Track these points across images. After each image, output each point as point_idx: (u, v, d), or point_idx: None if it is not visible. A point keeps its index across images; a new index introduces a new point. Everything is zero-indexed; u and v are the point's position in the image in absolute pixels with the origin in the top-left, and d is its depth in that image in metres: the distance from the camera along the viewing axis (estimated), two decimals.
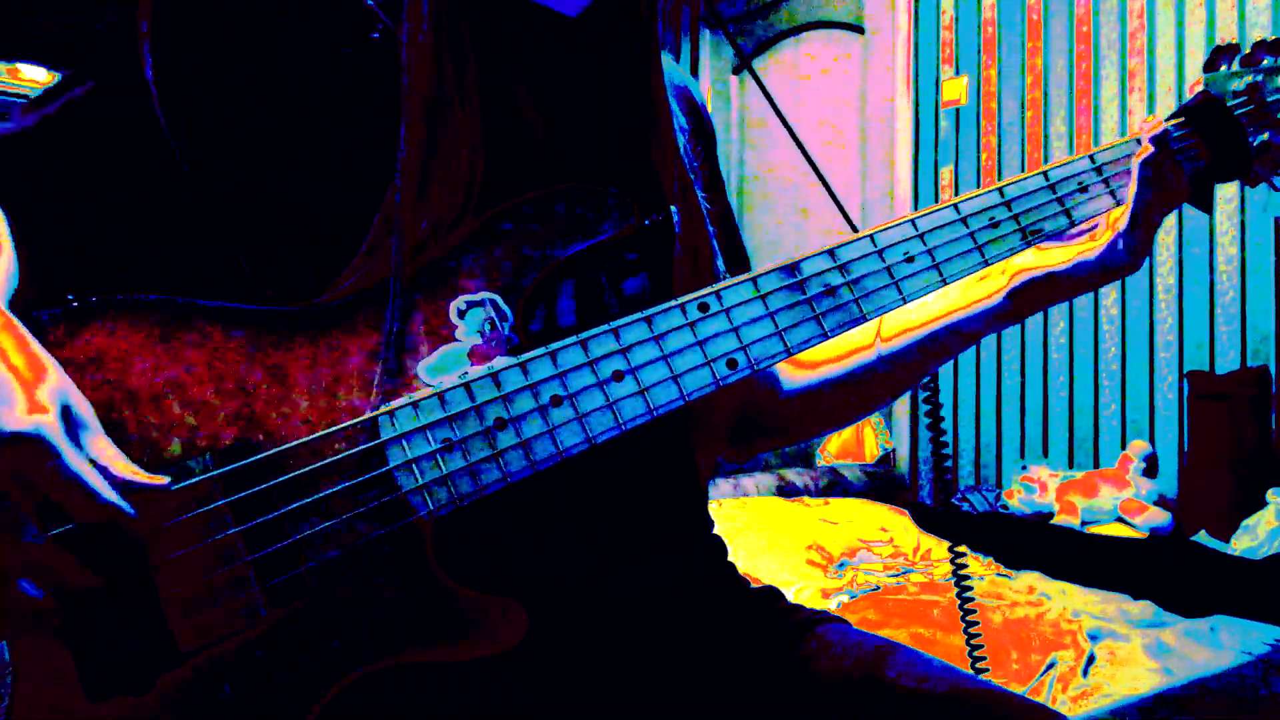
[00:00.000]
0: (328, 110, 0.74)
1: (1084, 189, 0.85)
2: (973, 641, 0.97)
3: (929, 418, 0.97)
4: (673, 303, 0.74)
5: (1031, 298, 0.87)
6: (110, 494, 0.58)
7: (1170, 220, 2.99)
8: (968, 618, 0.97)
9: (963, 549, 0.95)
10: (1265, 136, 0.89)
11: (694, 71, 4.66)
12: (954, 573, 0.96)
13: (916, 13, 3.73)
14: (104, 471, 0.59)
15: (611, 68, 0.87)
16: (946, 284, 0.80)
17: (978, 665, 0.97)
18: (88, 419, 0.60)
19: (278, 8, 0.75)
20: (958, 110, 3.59)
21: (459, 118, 0.73)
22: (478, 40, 0.78)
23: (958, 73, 3.60)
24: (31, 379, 0.58)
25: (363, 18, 0.75)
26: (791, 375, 1.01)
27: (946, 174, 3.62)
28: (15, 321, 0.62)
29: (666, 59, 0.90)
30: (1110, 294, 3.14)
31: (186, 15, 0.74)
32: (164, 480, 0.61)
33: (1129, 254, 0.83)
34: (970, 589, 0.94)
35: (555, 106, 0.82)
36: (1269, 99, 0.89)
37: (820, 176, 0.94)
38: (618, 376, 0.71)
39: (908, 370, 0.93)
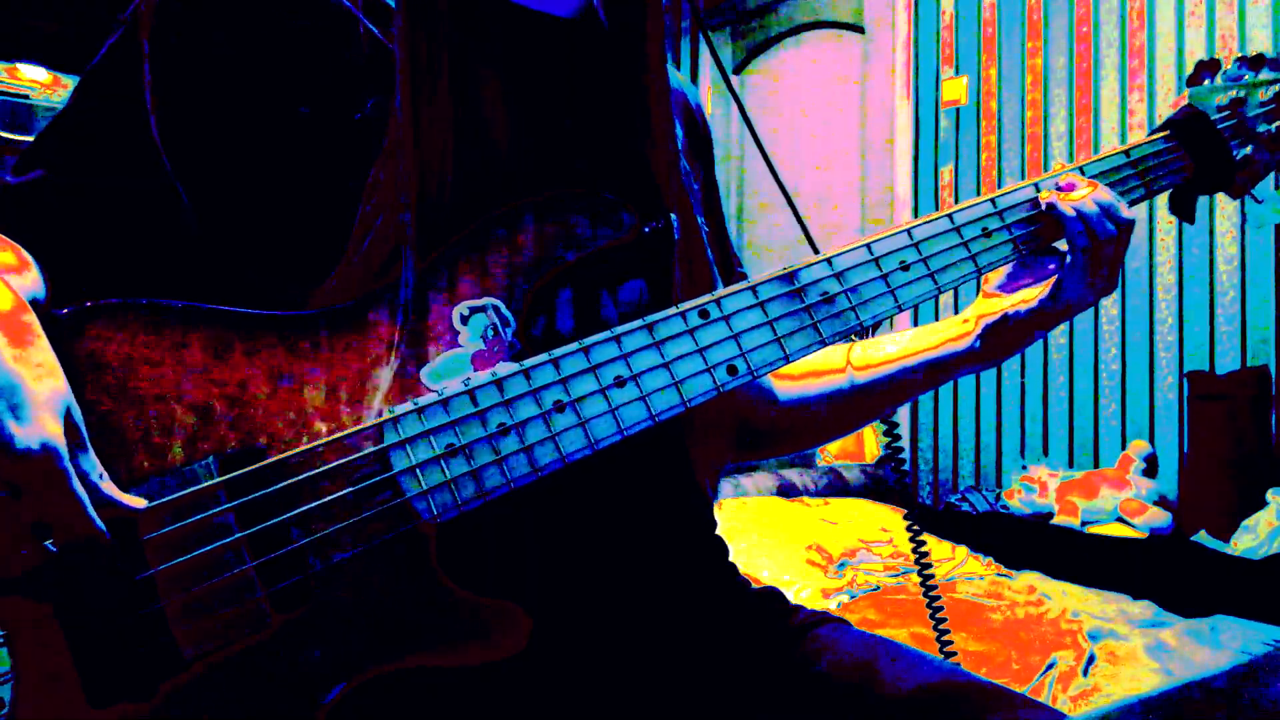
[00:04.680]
0: (323, 116, 0.75)
1: None
2: (941, 626, 0.98)
3: (888, 436, 1.00)
4: (673, 310, 0.74)
5: (997, 341, 0.91)
6: (95, 516, 0.58)
7: (1170, 220, 2.99)
8: (934, 604, 0.98)
9: (924, 538, 0.98)
10: (1247, 150, 0.91)
11: (694, 71, 4.66)
12: (914, 550, 0.97)
13: (916, 13, 3.73)
14: (92, 489, 0.59)
15: (609, 72, 0.86)
16: (942, 292, 0.81)
17: (946, 650, 0.98)
18: (82, 430, 0.61)
19: (272, 20, 0.75)
20: (958, 110, 3.59)
21: (436, 123, 0.74)
22: (474, 47, 0.78)
23: (958, 73, 3.60)
24: (36, 382, 0.58)
25: (353, 30, 0.76)
26: (779, 388, 1.02)
27: (946, 174, 3.62)
28: (31, 314, 0.62)
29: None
30: (1111, 294, 3.14)
31: (186, 29, 0.74)
32: (140, 504, 0.62)
33: (1080, 295, 0.87)
34: (931, 571, 0.96)
35: (552, 111, 0.82)
36: (1250, 114, 0.91)
37: (785, 193, 0.94)
38: (619, 382, 0.71)
39: (876, 400, 0.97)
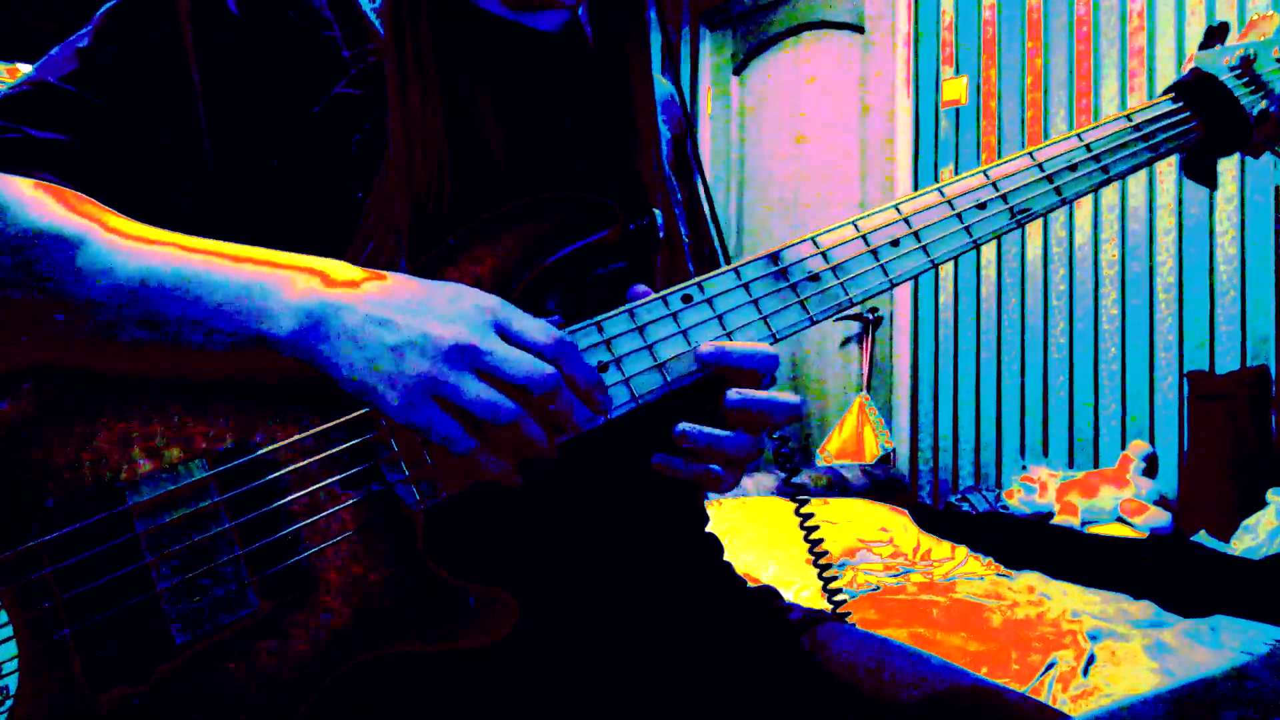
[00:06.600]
0: (330, 129, 0.76)
1: (1073, 168, 0.86)
2: (826, 574, 0.93)
3: (777, 439, 0.92)
4: (655, 295, 0.75)
5: None
6: (539, 365, 0.65)
7: (1170, 220, 2.99)
8: (815, 547, 0.93)
9: (807, 501, 0.91)
10: (1263, 105, 0.90)
11: (694, 71, 4.66)
12: (797, 509, 0.91)
13: (916, 13, 3.73)
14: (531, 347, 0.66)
15: (595, 81, 0.88)
16: (936, 265, 0.81)
17: (834, 602, 0.94)
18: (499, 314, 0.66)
19: (271, 23, 0.76)
20: (958, 110, 3.59)
21: (426, 126, 0.75)
22: (464, 60, 0.79)
23: (958, 73, 3.60)
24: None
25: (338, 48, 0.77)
26: None
27: (946, 174, 3.62)
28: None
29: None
30: (1110, 294, 3.13)
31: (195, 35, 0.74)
32: (569, 336, 0.69)
33: None
34: (815, 525, 0.90)
35: (540, 114, 0.84)
36: (1262, 71, 0.90)
37: (714, 217, 0.93)
38: (602, 368, 0.72)
39: None
